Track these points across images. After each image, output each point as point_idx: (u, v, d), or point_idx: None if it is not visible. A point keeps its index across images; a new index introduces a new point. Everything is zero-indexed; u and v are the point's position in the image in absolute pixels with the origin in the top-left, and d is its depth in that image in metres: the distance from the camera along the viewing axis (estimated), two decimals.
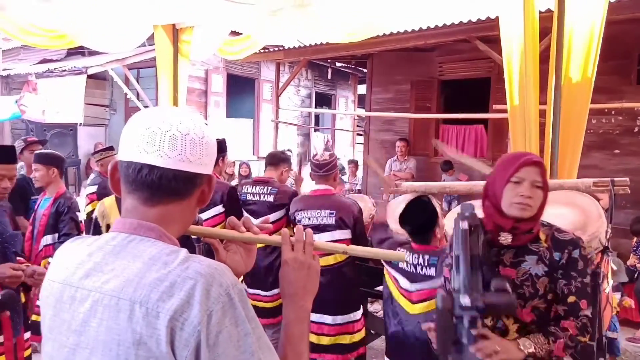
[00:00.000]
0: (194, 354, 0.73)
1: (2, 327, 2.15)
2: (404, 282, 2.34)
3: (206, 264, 0.78)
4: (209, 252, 1.03)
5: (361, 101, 11.98)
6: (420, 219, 2.30)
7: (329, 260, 2.75)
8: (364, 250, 1.09)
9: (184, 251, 0.81)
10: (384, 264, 2.46)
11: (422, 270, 2.26)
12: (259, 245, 1.07)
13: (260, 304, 3.13)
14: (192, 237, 1.58)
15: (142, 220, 0.85)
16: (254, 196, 3.19)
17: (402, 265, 2.34)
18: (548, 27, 3.10)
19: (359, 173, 8.40)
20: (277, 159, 3.33)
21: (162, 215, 0.86)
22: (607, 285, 2.66)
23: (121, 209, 0.89)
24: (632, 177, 2.69)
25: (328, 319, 2.79)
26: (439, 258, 2.23)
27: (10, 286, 2.13)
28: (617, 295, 3.75)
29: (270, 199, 3.13)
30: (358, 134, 12.10)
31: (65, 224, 3.29)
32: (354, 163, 8.39)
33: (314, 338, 2.80)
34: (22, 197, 3.76)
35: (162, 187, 0.84)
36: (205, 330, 0.73)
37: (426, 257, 2.25)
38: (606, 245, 2.38)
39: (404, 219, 2.33)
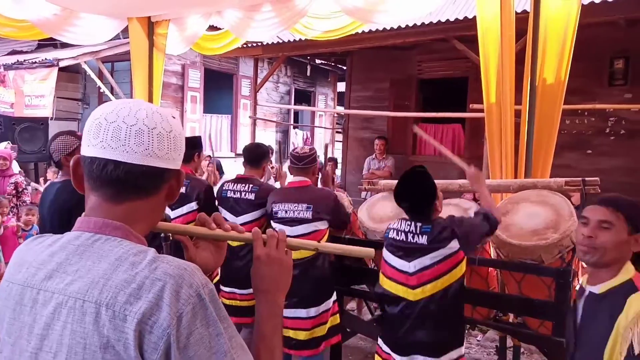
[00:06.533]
0: (163, 357, 0.71)
1: None
2: (401, 263, 2.20)
3: (175, 264, 0.76)
4: (178, 250, 1.00)
5: (340, 99, 11.99)
6: (417, 192, 2.17)
7: (303, 253, 2.74)
8: (334, 247, 1.10)
9: (152, 251, 0.79)
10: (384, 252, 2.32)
11: (413, 238, 2.16)
12: (236, 243, 1.05)
13: (236, 303, 3.10)
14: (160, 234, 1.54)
15: (107, 218, 0.81)
16: (235, 193, 3.14)
17: (392, 234, 2.23)
18: (524, 28, 3.15)
19: (338, 171, 8.40)
20: (255, 156, 3.26)
21: (128, 213, 0.83)
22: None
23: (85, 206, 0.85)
24: (604, 177, 2.76)
25: (302, 312, 2.78)
26: (433, 226, 2.13)
27: None
28: None
29: (252, 197, 3.09)
30: (337, 132, 12.11)
31: None
32: (333, 161, 8.41)
33: (290, 333, 2.79)
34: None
35: (128, 183, 0.81)
36: (176, 333, 0.71)
37: (418, 224, 2.16)
38: None
39: (400, 195, 2.20)
